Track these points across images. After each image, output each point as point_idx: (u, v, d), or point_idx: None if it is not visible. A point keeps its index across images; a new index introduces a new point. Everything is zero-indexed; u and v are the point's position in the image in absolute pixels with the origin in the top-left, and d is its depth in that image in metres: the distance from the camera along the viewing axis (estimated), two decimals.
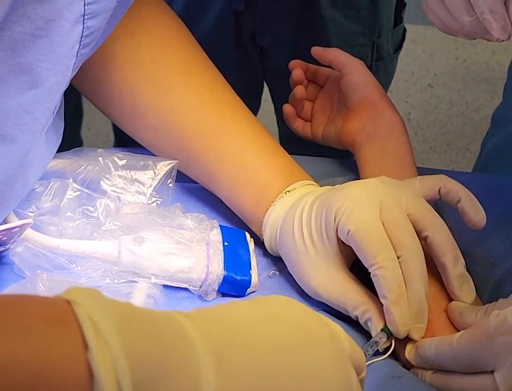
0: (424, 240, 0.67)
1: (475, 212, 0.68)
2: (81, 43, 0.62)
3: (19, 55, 0.57)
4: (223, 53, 1.18)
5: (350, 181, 0.79)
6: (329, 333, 0.48)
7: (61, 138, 0.75)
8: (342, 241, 0.67)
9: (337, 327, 0.50)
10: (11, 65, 0.57)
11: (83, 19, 0.60)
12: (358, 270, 0.68)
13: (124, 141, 1.37)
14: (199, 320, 0.43)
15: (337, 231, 0.66)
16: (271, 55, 1.21)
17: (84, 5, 0.60)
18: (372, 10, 1.16)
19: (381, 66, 1.23)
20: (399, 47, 1.25)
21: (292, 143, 1.00)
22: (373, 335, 0.64)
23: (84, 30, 0.61)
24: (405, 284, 0.63)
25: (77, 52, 0.62)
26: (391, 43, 1.22)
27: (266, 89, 1.33)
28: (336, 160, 0.88)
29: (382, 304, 0.64)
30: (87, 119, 1.90)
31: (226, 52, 1.19)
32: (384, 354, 0.64)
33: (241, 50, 1.20)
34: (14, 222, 0.63)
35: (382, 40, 1.20)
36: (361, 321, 0.66)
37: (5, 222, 0.67)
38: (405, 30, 1.25)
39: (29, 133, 0.62)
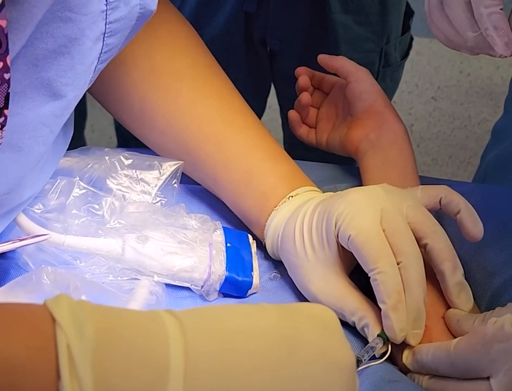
0: (423, 248, 0.68)
1: (473, 224, 0.69)
2: (100, 59, 0.63)
3: (40, 70, 0.58)
4: (232, 54, 1.18)
5: (353, 187, 0.80)
6: (349, 358, 0.48)
7: (68, 143, 0.76)
8: (342, 247, 0.68)
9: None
10: (32, 79, 0.58)
11: (104, 37, 0.61)
12: (358, 276, 0.69)
13: (126, 143, 1.37)
14: (190, 333, 0.44)
15: (337, 237, 0.67)
16: (281, 58, 1.21)
17: (105, 24, 0.61)
18: (381, 16, 1.16)
19: (388, 73, 1.24)
20: (406, 55, 1.26)
21: (297, 147, 1.01)
22: (369, 341, 0.65)
23: (103, 47, 0.62)
24: (404, 290, 0.64)
25: (95, 67, 0.63)
26: (399, 50, 1.23)
27: (270, 96, 1.34)
28: (339, 166, 0.89)
29: (379, 311, 0.65)
30: (91, 120, 1.90)
31: (235, 53, 1.19)
32: (380, 359, 0.65)
33: (251, 52, 1.20)
34: (33, 239, 0.64)
35: (390, 47, 1.21)
36: (357, 327, 0.67)
37: (15, 222, 0.68)
38: (412, 38, 1.26)
39: (44, 145, 0.63)
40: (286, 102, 1.27)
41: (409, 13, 1.23)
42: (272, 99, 1.33)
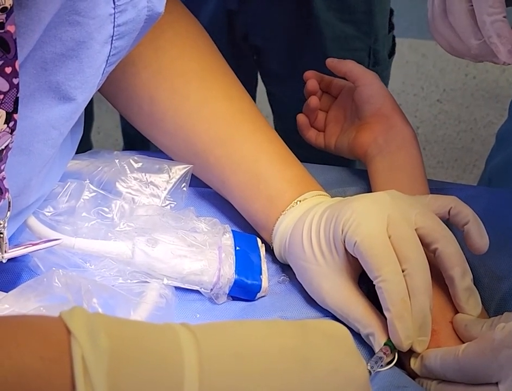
0: (433, 253, 0.68)
1: (479, 237, 0.69)
2: (108, 62, 0.63)
3: (49, 74, 0.58)
4: None
5: (362, 190, 0.81)
6: (363, 377, 0.49)
7: (77, 145, 0.76)
8: (349, 253, 0.68)
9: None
10: (41, 83, 0.58)
11: (112, 40, 0.62)
12: (366, 282, 0.69)
13: (132, 145, 1.38)
14: (205, 348, 0.44)
15: (344, 243, 0.67)
16: (265, 56, 1.22)
17: (114, 27, 0.61)
18: (368, 15, 1.17)
19: (378, 72, 1.24)
20: (392, 52, 1.27)
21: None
22: (375, 350, 0.65)
23: (112, 50, 0.62)
24: (410, 298, 0.64)
25: (104, 70, 0.64)
26: (386, 48, 1.24)
27: (265, 102, 1.34)
28: (347, 169, 0.89)
29: (385, 319, 0.65)
30: (97, 122, 1.91)
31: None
32: (387, 366, 0.65)
33: (234, 50, 1.21)
34: (45, 243, 0.64)
35: (379, 45, 1.22)
36: (362, 334, 0.67)
37: (26, 225, 0.68)
38: (394, 36, 1.28)
39: (54, 147, 0.63)
40: (276, 101, 1.28)
41: (391, 12, 1.25)
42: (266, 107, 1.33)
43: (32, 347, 0.41)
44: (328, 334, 0.49)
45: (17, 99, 0.54)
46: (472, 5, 0.64)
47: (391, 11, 1.25)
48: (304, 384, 0.46)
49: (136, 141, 1.33)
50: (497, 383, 0.58)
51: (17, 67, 0.52)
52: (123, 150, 1.62)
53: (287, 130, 0.95)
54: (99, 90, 0.79)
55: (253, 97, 1.35)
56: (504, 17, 0.63)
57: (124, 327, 0.44)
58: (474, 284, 0.68)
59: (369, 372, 0.62)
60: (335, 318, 0.69)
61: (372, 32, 1.19)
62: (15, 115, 0.54)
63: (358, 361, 0.49)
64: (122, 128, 1.72)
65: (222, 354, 0.45)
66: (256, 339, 0.47)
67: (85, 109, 0.68)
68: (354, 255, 0.67)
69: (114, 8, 0.60)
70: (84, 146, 0.79)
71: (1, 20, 0.49)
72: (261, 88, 1.33)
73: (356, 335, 0.67)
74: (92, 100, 1.52)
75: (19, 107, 0.54)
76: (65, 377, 0.41)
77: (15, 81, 0.53)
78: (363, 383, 0.48)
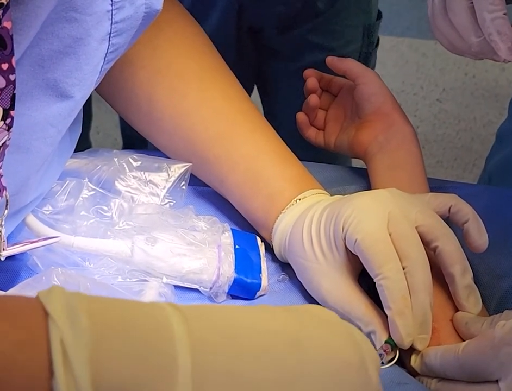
0: (433, 251, 0.68)
1: (479, 236, 0.69)
2: (106, 59, 0.63)
3: (46, 71, 0.58)
4: (222, 52, 1.20)
5: (361, 188, 0.81)
6: (356, 363, 0.46)
7: (75, 143, 0.76)
8: (350, 250, 0.68)
9: (368, 354, 0.47)
10: (38, 80, 0.58)
11: (110, 37, 0.61)
12: (367, 280, 0.69)
13: (131, 145, 1.38)
14: (195, 329, 0.41)
15: (345, 240, 0.67)
16: (270, 54, 1.24)
17: (111, 24, 0.61)
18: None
19: (373, 55, 1.28)
20: (378, 42, 1.30)
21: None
22: (376, 347, 0.65)
23: (109, 47, 0.62)
24: (410, 295, 0.64)
25: (102, 67, 0.63)
26: (375, 35, 1.27)
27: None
28: (347, 167, 0.89)
29: (386, 317, 0.65)
30: (96, 122, 1.91)
31: (225, 52, 1.22)
32: (388, 364, 0.65)
33: (240, 50, 1.22)
34: (43, 241, 0.64)
35: (374, 27, 1.25)
36: (364, 333, 0.66)
37: (25, 224, 0.68)
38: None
39: (52, 145, 0.63)
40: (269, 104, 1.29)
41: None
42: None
43: (5, 332, 0.37)
44: (319, 316, 0.48)
45: (13, 95, 0.53)
46: (472, 2, 0.64)
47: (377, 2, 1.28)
48: (297, 365, 0.43)
49: (136, 140, 1.33)
50: (497, 381, 0.58)
51: (13, 63, 0.52)
52: (123, 149, 1.62)
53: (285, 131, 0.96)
54: (96, 90, 0.79)
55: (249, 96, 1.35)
56: (504, 14, 0.63)
57: (107, 305, 0.41)
58: (475, 282, 0.68)
59: None
60: None
61: (369, 12, 1.23)
62: (12, 112, 0.54)
63: (352, 343, 0.47)
64: (121, 128, 1.73)
65: (213, 334, 0.42)
66: (248, 320, 0.45)
67: (84, 107, 0.68)
68: (354, 253, 0.67)
69: (111, 5, 0.60)
70: (82, 145, 0.79)
71: None
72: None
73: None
74: (90, 99, 1.53)
75: (16, 105, 0.54)
76: (40, 362, 0.37)
77: (12, 77, 0.53)
78: (358, 367, 0.46)
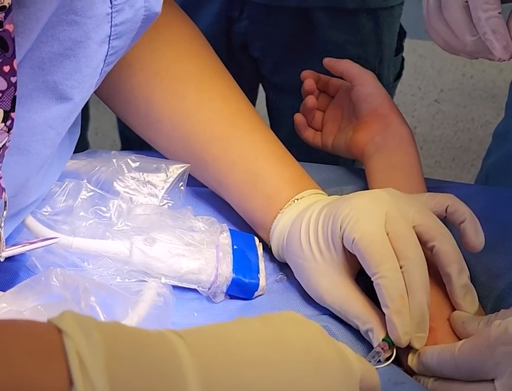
0: (430, 251, 0.68)
1: (475, 235, 0.69)
2: (106, 61, 0.63)
3: (46, 73, 0.58)
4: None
5: (359, 189, 0.81)
6: (338, 355, 0.49)
7: (74, 145, 0.76)
8: (348, 250, 0.68)
9: (345, 348, 0.50)
10: (38, 82, 0.58)
11: (109, 40, 0.62)
12: (364, 280, 0.69)
13: (130, 146, 1.37)
14: (196, 346, 0.43)
15: (342, 240, 0.68)
16: (264, 67, 1.21)
17: (111, 27, 0.61)
18: (375, 35, 1.15)
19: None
20: (398, 76, 1.24)
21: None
22: (374, 346, 0.65)
23: (109, 49, 0.62)
24: (408, 294, 0.64)
25: (101, 70, 0.64)
26: (392, 71, 1.21)
27: (262, 106, 1.33)
28: (344, 168, 0.89)
29: (384, 315, 0.65)
30: (94, 123, 1.91)
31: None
32: (385, 362, 0.65)
33: (232, 59, 1.19)
34: (42, 242, 0.64)
35: (384, 68, 1.18)
36: (361, 331, 0.67)
37: (24, 225, 0.68)
38: (403, 59, 1.24)
39: (51, 147, 0.63)
40: (277, 112, 1.27)
41: (402, 34, 1.21)
42: (264, 109, 1.33)
43: (19, 345, 0.39)
44: (289, 318, 0.50)
45: (14, 97, 0.54)
46: (467, 1, 0.64)
47: (404, 33, 1.21)
48: (288, 371, 0.46)
49: (134, 142, 1.32)
50: (493, 380, 0.58)
51: (15, 65, 0.52)
52: (122, 150, 1.62)
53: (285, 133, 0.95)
54: (95, 92, 0.79)
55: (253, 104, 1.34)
56: (499, 13, 0.63)
57: (115, 325, 0.43)
58: (471, 281, 0.69)
59: None
60: (333, 316, 0.69)
61: (378, 53, 1.17)
62: (12, 114, 0.54)
63: (329, 342, 0.49)
64: (119, 129, 1.72)
65: (215, 355, 0.44)
66: (237, 334, 0.46)
67: (82, 109, 0.68)
68: (352, 252, 0.67)
69: (111, 8, 0.60)
70: (81, 147, 0.80)
71: (0, 19, 0.50)
72: (261, 93, 1.33)
73: (357, 332, 0.68)
74: (88, 100, 1.53)
75: (16, 107, 0.54)
76: (60, 373, 0.39)
77: (13, 79, 0.53)
78: (337, 364, 0.48)
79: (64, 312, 0.42)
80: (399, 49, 1.21)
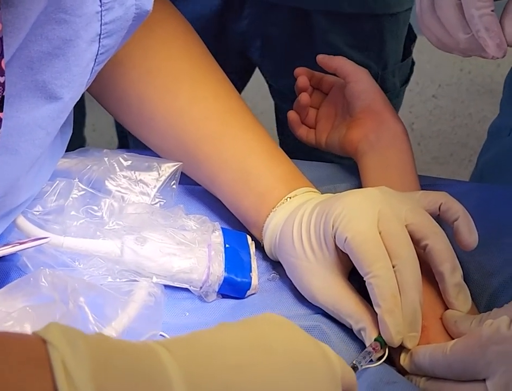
0: (423, 249, 0.68)
1: (469, 233, 0.69)
2: (96, 60, 0.63)
3: (35, 73, 0.58)
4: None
5: (352, 187, 0.81)
6: (320, 355, 0.49)
7: (66, 145, 0.76)
8: (340, 249, 0.68)
9: (327, 347, 0.51)
10: (27, 82, 0.58)
11: (99, 38, 0.61)
12: (357, 280, 0.69)
13: (127, 143, 1.37)
14: (180, 354, 0.44)
15: (335, 239, 0.67)
16: (264, 70, 1.21)
17: (101, 25, 0.61)
18: (378, 41, 1.13)
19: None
20: (406, 80, 1.21)
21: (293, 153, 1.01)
22: (366, 345, 0.65)
23: (100, 48, 0.62)
24: (400, 294, 0.64)
25: (92, 69, 0.63)
26: (398, 76, 1.19)
27: (262, 103, 1.33)
28: (338, 165, 0.89)
29: (376, 315, 0.65)
30: (92, 120, 1.91)
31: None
32: (377, 362, 0.65)
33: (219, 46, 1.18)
34: (33, 242, 0.64)
35: (388, 73, 1.16)
36: (354, 330, 0.67)
37: (14, 224, 0.68)
38: (413, 63, 1.21)
39: (41, 147, 0.63)
40: (283, 117, 1.26)
41: (412, 38, 1.18)
42: (263, 106, 1.32)
43: (8, 356, 0.39)
44: (270, 320, 0.50)
45: (2, 97, 0.53)
46: None
47: (414, 37, 1.18)
48: (275, 372, 0.46)
49: (130, 139, 1.32)
50: (484, 380, 0.58)
51: (3, 65, 0.52)
52: (118, 147, 1.63)
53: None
54: (88, 91, 0.79)
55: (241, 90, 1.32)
56: (492, 10, 0.63)
57: (101, 338, 0.43)
58: (465, 280, 0.68)
59: (356, 367, 0.62)
60: (326, 315, 0.69)
61: (381, 59, 1.15)
62: (0, 114, 0.54)
63: (311, 342, 0.50)
64: (116, 125, 1.72)
65: (199, 362, 0.45)
66: (223, 340, 0.47)
67: (77, 105, 0.68)
68: (344, 251, 0.67)
69: (101, 6, 0.60)
70: (77, 143, 0.79)
71: None
72: (262, 96, 1.33)
73: (349, 331, 0.68)
74: (83, 95, 1.53)
75: (5, 106, 0.54)
76: (44, 382, 0.39)
77: (1, 79, 0.53)
78: (320, 363, 0.49)
79: (50, 324, 0.42)
80: (407, 54, 1.18)
